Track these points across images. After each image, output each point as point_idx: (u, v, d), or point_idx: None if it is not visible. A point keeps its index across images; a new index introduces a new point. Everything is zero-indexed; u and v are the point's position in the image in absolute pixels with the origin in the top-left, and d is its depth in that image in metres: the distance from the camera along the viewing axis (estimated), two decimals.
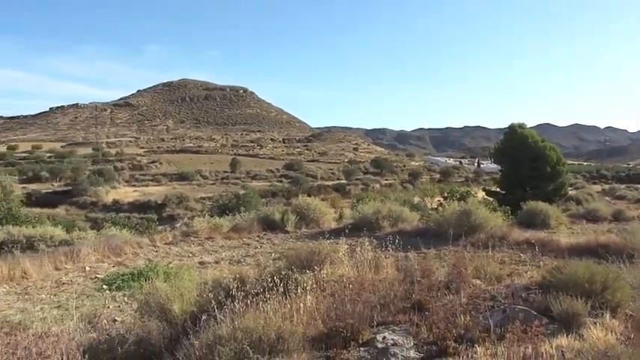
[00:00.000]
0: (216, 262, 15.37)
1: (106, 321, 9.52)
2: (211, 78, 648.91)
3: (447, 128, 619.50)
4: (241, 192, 57.00)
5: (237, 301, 6.48)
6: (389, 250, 9.83)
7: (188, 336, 6.09)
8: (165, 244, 18.65)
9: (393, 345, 5.99)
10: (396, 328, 6.54)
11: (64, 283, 13.50)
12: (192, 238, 19.45)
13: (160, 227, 32.15)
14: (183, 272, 8.15)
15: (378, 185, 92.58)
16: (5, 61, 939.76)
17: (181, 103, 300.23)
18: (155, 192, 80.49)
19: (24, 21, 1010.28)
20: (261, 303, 6.53)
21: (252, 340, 5.49)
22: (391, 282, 8.17)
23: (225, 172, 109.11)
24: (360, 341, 6.21)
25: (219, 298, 6.75)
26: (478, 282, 8.65)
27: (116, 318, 10.01)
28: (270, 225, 21.24)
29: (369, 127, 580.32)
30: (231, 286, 6.96)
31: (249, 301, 6.53)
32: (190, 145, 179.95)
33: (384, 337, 6.17)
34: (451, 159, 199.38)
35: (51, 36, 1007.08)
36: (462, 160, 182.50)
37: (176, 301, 7.28)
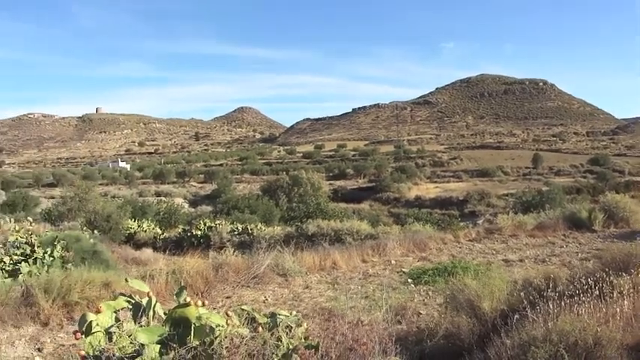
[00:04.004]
0: (521, 261, 15.00)
1: (410, 314, 9.74)
2: (509, 72, 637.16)
3: None
4: (544, 188, 55.36)
5: (550, 302, 6.27)
6: None
7: (499, 334, 6.01)
8: (469, 240, 18.62)
9: None
10: None
11: (370, 275, 14.02)
12: (495, 235, 19.18)
13: (461, 223, 32.12)
14: (494, 270, 8.06)
15: None
16: (311, 68, 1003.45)
17: (480, 98, 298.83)
18: (456, 188, 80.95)
19: (327, 30, 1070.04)
20: (575, 306, 6.25)
21: (567, 344, 5.28)
22: None
23: (526, 167, 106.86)
24: None
25: (530, 297, 6.58)
26: None
27: (420, 311, 10.16)
28: (575, 223, 20.27)
29: None
30: (543, 287, 6.76)
31: (562, 303, 6.29)
32: (490, 140, 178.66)
33: None
34: None
35: (351, 41, 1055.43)
36: None
37: (486, 298, 7.23)
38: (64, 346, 8.44)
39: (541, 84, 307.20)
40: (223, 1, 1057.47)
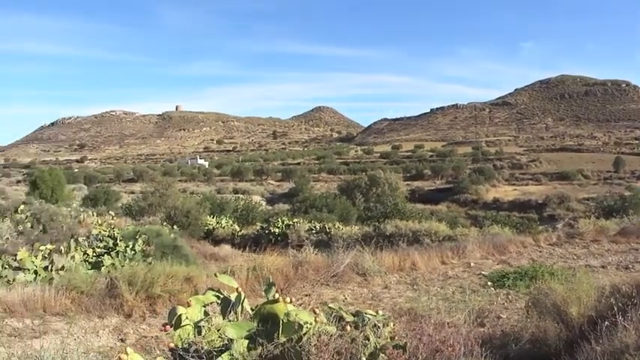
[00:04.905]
0: (603, 267, 14.63)
1: (492, 317, 9.65)
2: (591, 72, 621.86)
3: None
4: (626, 193, 53.91)
5: None
6: None
7: (588, 340, 5.89)
8: (549, 244, 18.25)
9: None
10: None
11: (449, 277, 13.91)
12: (576, 240, 18.74)
13: (540, 227, 31.54)
14: (582, 275, 7.91)
15: None
16: (390, 68, 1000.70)
17: (560, 100, 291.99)
18: (535, 191, 79.74)
19: (406, 30, 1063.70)
20: None
21: None
22: None
23: (608, 171, 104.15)
24: None
25: (619, 304, 6.44)
26: None
27: (501, 315, 10.06)
28: None
29: None
30: (633, 294, 6.62)
31: None
32: (570, 143, 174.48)
33: None
34: None
35: (431, 41, 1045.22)
36: None
37: (573, 304, 7.10)
38: (146, 337, 8.69)
39: (624, 85, 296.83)
40: (305, 0, 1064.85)
